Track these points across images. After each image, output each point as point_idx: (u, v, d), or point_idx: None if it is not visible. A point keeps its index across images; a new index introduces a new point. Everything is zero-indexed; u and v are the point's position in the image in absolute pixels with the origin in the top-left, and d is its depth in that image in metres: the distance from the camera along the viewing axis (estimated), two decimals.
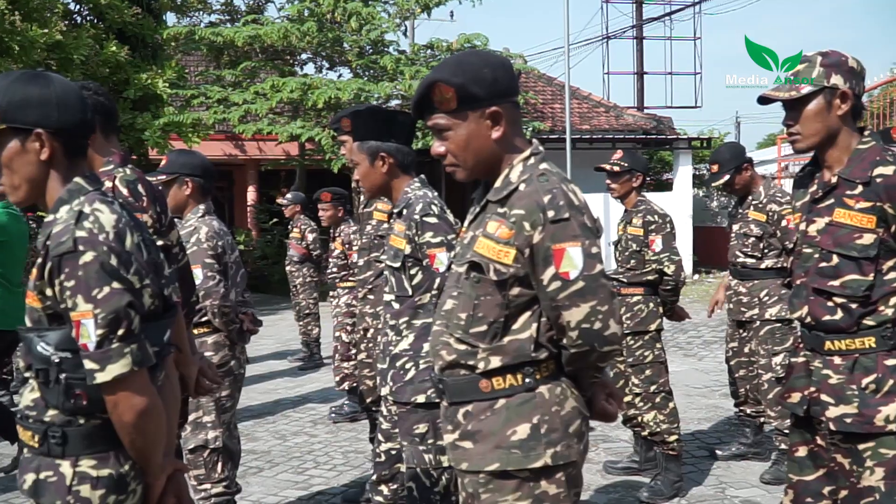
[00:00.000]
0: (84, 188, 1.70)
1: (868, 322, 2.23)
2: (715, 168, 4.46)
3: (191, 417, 3.39)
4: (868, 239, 2.21)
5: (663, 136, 16.15)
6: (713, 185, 4.63)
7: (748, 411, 4.63)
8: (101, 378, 1.58)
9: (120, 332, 1.59)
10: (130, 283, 1.62)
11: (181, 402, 2.14)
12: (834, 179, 2.29)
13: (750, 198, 4.41)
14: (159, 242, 2.32)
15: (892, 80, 14.02)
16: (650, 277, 4.18)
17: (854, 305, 2.23)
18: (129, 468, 1.68)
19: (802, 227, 2.38)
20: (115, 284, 1.59)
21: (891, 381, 2.19)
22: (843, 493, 2.27)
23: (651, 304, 4.21)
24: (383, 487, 3.10)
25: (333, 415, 5.85)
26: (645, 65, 20.39)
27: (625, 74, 21.10)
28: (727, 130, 35.52)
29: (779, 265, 4.26)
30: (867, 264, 2.21)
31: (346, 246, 6.11)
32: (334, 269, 6.21)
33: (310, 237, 7.97)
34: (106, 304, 1.57)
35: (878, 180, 2.20)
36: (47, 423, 1.66)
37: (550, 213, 1.76)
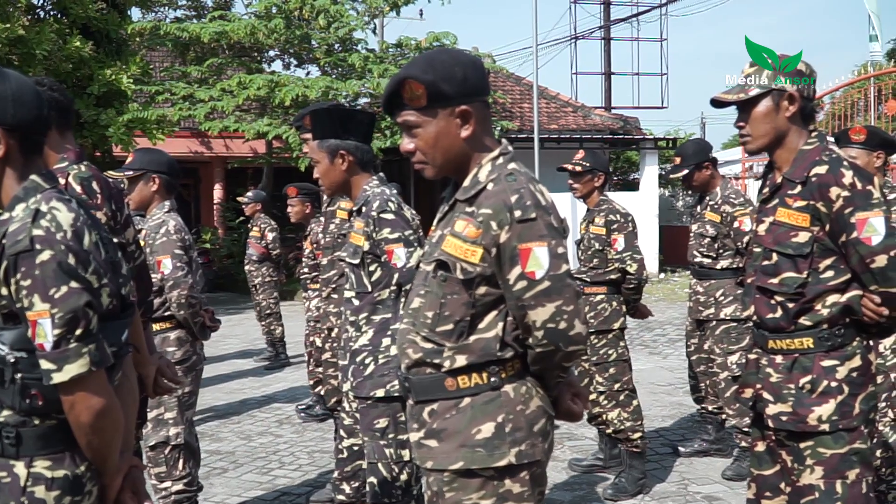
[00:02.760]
0: (41, 186, 1.67)
1: (804, 322, 2.27)
2: (677, 160, 4.52)
3: (152, 414, 3.35)
4: (803, 237, 2.25)
5: (630, 137, 16.31)
6: (672, 176, 4.67)
7: (709, 408, 4.68)
8: (57, 378, 1.55)
9: (77, 331, 1.56)
10: (88, 283, 1.60)
11: (139, 402, 2.11)
12: (779, 180, 2.35)
13: (707, 198, 4.47)
14: (114, 240, 2.29)
15: (854, 82, 14.31)
16: (613, 276, 4.21)
17: (791, 305, 2.28)
18: (84, 469, 1.66)
19: (754, 226, 2.45)
20: (73, 284, 1.57)
21: (825, 382, 2.24)
22: (788, 489, 2.32)
23: (614, 303, 4.24)
24: (345, 486, 3.11)
25: (303, 414, 5.80)
26: (612, 65, 20.54)
27: (592, 75, 21.25)
28: (692, 131, 36.01)
29: (734, 265, 4.33)
30: (801, 261, 2.26)
31: (315, 245, 5.99)
32: (305, 270, 6.10)
33: (269, 236, 7.87)
34: (63, 304, 1.55)
35: (813, 179, 2.24)
36: (1, 424, 1.62)
37: (517, 213, 1.77)
